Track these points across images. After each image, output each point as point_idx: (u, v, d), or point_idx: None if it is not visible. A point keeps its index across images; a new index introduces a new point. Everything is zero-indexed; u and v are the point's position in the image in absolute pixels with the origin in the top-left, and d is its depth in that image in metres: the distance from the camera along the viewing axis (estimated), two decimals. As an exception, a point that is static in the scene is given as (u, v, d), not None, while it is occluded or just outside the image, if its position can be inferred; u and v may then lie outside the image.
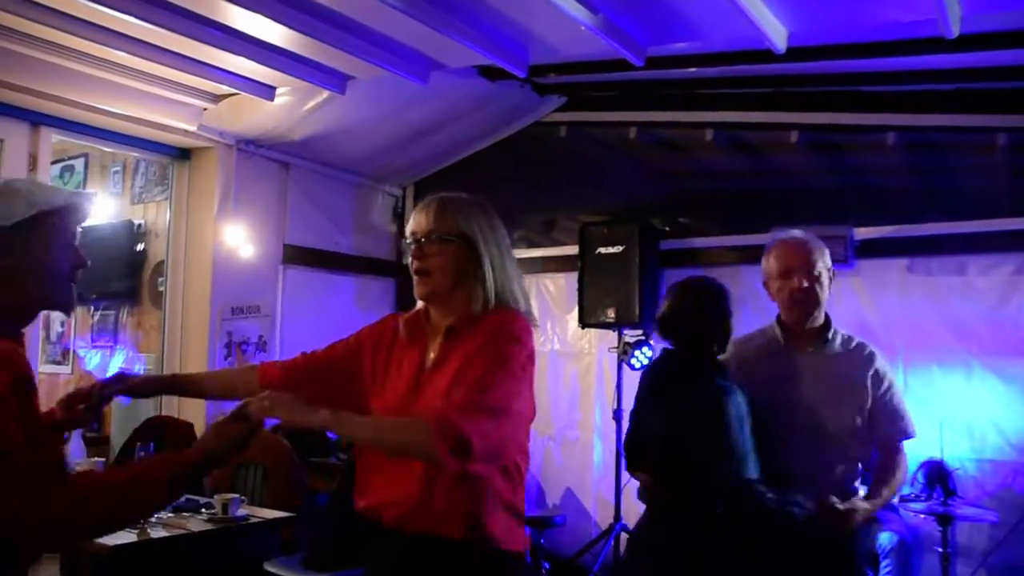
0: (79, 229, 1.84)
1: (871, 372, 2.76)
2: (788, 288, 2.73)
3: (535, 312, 2.04)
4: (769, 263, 2.82)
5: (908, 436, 2.80)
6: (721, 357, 2.73)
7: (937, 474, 4.05)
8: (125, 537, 2.93)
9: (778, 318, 2.88)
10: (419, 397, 1.89)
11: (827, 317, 2.82)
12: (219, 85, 4.22)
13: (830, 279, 2.79)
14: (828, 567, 2.59)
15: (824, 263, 2.76)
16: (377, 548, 1.91)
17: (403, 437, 1.78)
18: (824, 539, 2.54)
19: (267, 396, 1.76)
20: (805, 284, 2.71)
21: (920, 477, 4.15)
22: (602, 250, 4.96)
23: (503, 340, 1.84)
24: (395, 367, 1.99)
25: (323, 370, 2.09)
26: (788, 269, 2.74)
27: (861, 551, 2.81)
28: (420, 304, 2.00)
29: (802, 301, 2.73)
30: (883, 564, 3.89)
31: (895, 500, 3.80)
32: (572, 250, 5.20)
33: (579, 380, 5.47)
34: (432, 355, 1.93)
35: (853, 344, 2.84)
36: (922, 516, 3.84)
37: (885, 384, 2.78)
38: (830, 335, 2.80)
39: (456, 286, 1.91)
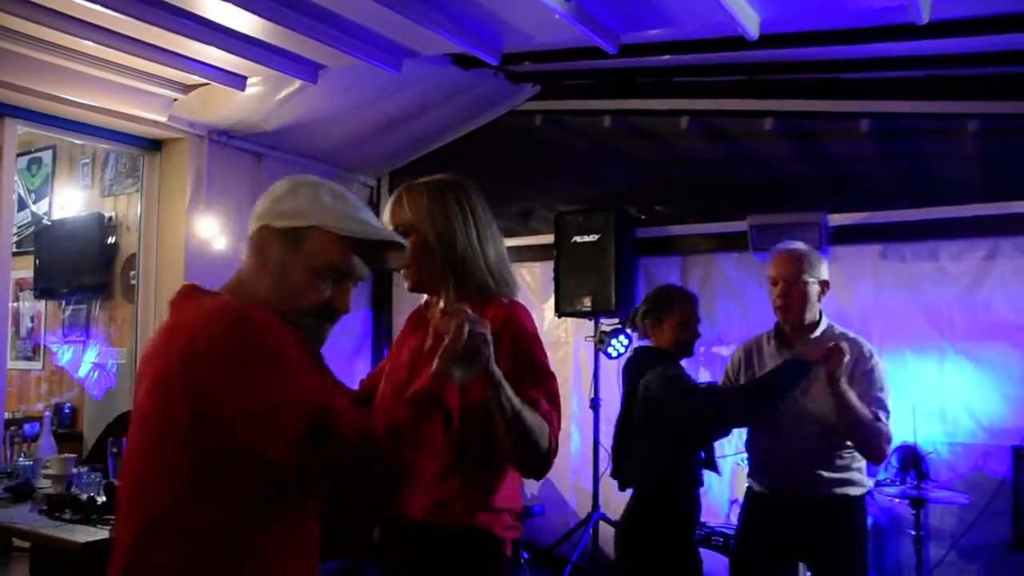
0: (357, 270, 1.59)
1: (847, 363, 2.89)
2: (774, 294, 3.11)
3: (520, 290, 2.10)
4: (768, 270, 3.17)
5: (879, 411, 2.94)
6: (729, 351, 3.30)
7: (911, 458, 4.10)
8: (95, 534, 2.90)
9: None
10: (414, 382, 1.83)
11: (819, 316, 3.11)
12: (190, 75, 4.15)
13: (820, 289, 3.08)
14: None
15: (811, 275, 3.05)
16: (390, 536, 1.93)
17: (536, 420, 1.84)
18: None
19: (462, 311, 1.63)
20: (782, 294, 3.06)
21: (894, 461, 4.19)
22: (578, 239, 4.96)
23: (521, 339, 1.93)
24: (400, 355, 2.02)
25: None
26: (775, 278, 3.10)
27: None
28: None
29: (782, 308, 3.09)
30: (858, 548, 3.93)
31: (871, 484, 3.85)
32: (548, 239, 5.19)
33: (556, 369, 5.47)
34: (429, 341, 1.90)
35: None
36: (896, 500, 3.89)
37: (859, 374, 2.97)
38: (815, 334, 3.08)
39: (435, 274, 1.94)
